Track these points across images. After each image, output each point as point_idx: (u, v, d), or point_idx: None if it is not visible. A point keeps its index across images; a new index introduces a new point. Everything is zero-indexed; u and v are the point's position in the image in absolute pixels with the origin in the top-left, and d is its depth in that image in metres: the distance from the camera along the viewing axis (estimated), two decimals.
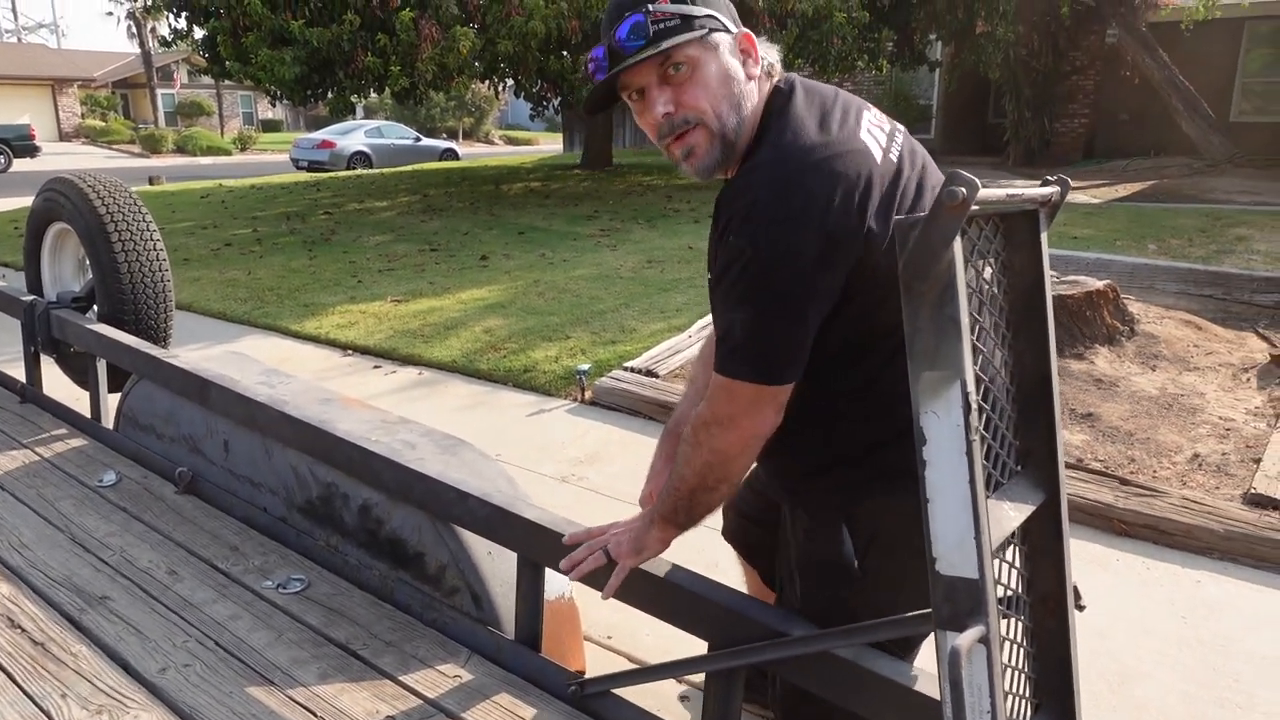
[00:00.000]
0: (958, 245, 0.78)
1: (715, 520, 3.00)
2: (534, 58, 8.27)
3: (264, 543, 2.12)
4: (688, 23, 1.19)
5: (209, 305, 6.35)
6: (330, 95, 8.79)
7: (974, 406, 0.79)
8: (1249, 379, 4.11)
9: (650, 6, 1.18)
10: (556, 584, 1.82)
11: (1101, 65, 14.68)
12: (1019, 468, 1.03)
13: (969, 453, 0.79)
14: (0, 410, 2.90)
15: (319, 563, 2.03)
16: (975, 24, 11.21)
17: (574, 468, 3.56)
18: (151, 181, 16.97)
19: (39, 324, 2.93)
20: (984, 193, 0.80)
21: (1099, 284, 4.50)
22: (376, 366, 4.99)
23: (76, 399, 2.98)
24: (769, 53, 1.30)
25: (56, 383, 3.11)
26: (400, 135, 23.56)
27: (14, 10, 53.39)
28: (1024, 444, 1.03)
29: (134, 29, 34.14)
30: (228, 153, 29.82)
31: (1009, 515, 0.93)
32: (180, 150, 29.17)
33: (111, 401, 2.80)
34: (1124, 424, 3.60)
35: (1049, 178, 1.01)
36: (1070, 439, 3.49)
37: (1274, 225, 7.94)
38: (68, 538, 2.12)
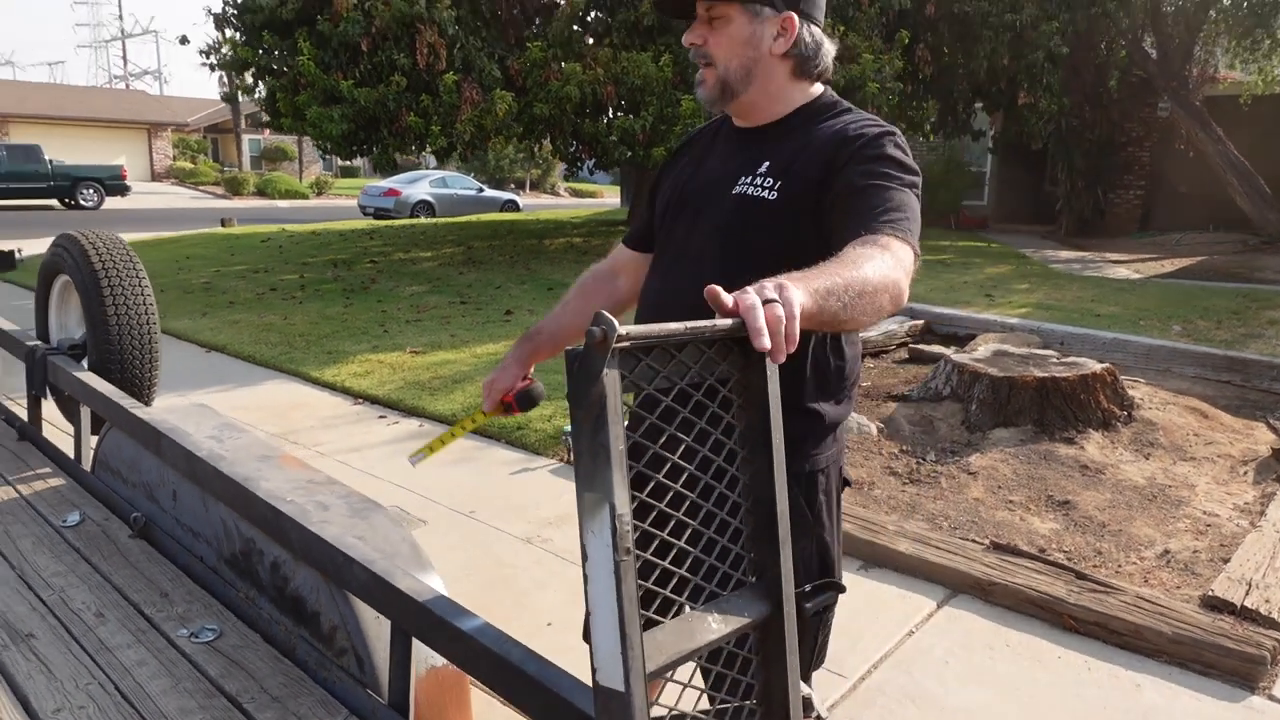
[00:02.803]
0: (609, 378, 0.85)
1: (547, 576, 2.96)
2: (569, 120, 8.56)
3: (193, 590, 2.23)
4: None
5: (242, 348, 6.65)
6: (374, 151, 9.23)
7: (624, 530, 0.85)
8: (1246, 472, 3.97)
9: None
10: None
11: (1157, 137, 14.45)
12: (753, 579, 1.08)
13: (617, 573, 0.85)
14: None
15: (237, 614, 2.13)
16: (1018, 95, 11.19)
17: (541, 529, 3.63)
18: (223, 223, 17.71)
19: (37, 367, 3.15)
20: (642, 329, 0.88)
21: (1097, 367, 4.43)
22: (382, 416, 5.15)
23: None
24: (826, 53, 1.50)
25: (63, 422, 3.32)
26: (464, 186, 24.38)
27: (124, 58, 57.49)
28: (760, 557, 1.08)
29: (224, 79, 36.10)
30: (305, 196, 30.98)
31: (710, 628, 0.98)
32: (260, 193, 30.33)
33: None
34: (1099, 514, 3.51)
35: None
36: (1038, 527, 3.43)
37: None
38: (16, 574, 2.27)
